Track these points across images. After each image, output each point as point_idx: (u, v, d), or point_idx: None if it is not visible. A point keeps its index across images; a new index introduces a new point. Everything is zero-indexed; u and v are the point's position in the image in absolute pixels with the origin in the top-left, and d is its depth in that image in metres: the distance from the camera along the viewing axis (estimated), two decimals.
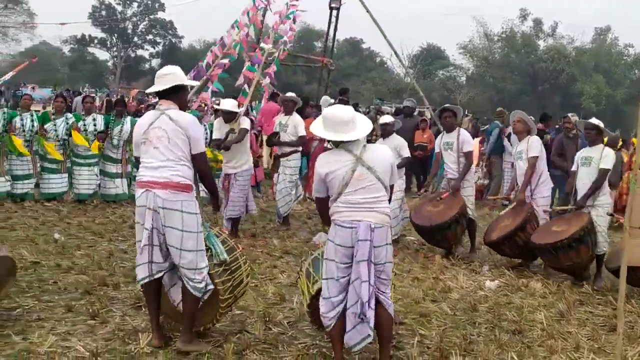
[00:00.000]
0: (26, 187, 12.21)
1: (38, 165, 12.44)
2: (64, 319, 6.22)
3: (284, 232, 10.94)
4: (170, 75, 5.70)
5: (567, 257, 8.45)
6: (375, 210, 5.14)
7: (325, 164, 5.29)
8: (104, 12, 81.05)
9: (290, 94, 11.61)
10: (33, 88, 42.19)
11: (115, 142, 12.73)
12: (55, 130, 12.36)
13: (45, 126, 12.28)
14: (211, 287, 5.58)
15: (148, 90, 5.73)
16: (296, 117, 11.38)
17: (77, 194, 12.62)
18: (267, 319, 6.47)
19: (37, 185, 12.55)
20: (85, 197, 12.58)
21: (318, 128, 5.42)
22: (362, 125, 5.34)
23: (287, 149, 11.19)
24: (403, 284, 8.10)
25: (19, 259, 8.07)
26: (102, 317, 6.24)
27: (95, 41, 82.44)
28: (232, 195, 10.05)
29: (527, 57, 66.69)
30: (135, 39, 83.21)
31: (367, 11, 18.77)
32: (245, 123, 10.21)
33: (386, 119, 10.72)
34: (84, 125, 12.52)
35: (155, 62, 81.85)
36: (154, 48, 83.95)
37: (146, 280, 5.58)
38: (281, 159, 11.25)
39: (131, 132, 12.50)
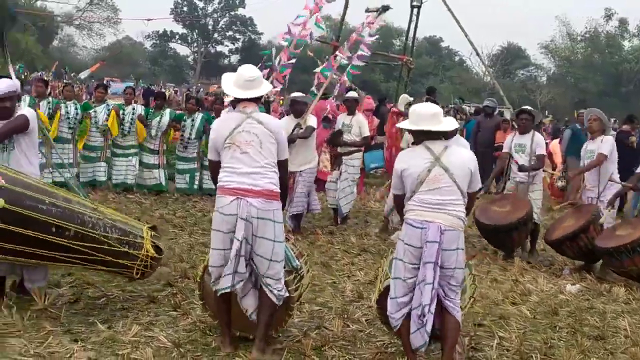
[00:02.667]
0: (67, 176, 12.34)
1: (79, 154, 12.73)
2: (147, 309, 6.37)
3: (362, 230, 10.94)
4: (259, 79, 5.56)
5: (631, 262, 8.22)
6: (447, 213, 5.04)
7: (403, 161, 5.27)
8: (185, 8, 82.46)
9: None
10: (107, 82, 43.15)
11: (153, 132, 12.89)
12: (95, 117, 12.60)
13: (89, 112, 12.57)
14: (287, 294, 5.45)
15: (241, 96, 5.45)
16: (360, 117, 11.34)
17: (115, 184, 12.89)
18: (346, 316, 6.49)
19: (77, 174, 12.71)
20: (125, 187, 12.83)
21: (405, 124, 5.44)
22: (447, 122, 5.32)
23: (351, 148, 11.20)
24: (482, 285, 8.02)
25: None
26: (184, 308, 6.35)
27: (177, 37, 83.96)
28: (295, 193, 10.04)
29: (611, 57, 65.09)
30: (215, 35, 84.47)
31: (449, 9, 18.58)
32: (312, 121, 10.23)
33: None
34: (123, 114, 12.72)
35: (234, 58, 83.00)
36: (234, 44, 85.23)
37: (226, 291, 5.31)
38: (343, 157, 11.23)
39: (169, 124, 12.91)
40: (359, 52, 12.57)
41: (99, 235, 5.85)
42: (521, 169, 9.55)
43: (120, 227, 6.14)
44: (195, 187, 13.13)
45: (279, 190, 5.39)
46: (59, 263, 5.83)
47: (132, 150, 12.86)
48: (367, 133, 11.21)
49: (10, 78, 6.02)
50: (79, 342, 5.39)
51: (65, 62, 49.79)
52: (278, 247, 5.30)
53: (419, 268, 5.02)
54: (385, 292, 5.39)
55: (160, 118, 12.83)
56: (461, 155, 5.29)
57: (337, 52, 13.32)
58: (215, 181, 5.53)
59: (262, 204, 5.21)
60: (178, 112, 13.96)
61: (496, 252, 9.96)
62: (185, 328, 5.90)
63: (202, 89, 47.17)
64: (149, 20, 33.83)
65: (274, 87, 11.73)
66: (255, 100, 5.53)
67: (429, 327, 4.95)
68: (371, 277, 7.87)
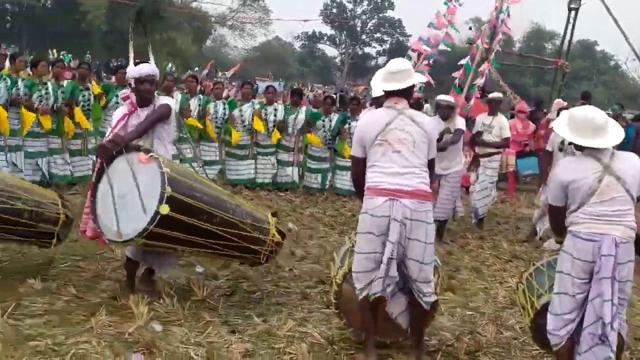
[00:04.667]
0: (212, 173, 12.52)
1: (224, 151, 13.02)
2: (300, 305, 6.47)
3: (513, 236, 10.70)
4: (407, 72, 5.31)
5: None
6: (621, 224, 4.64)
7: (570, 171, 4.82)
8: (334, 10, 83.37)
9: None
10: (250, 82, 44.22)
11: (290, 130, 12.96)
12: (242, 116, 12.77)
13: (233, 112, 12.73)
14: (435, 298, 5.28)
15: (385, 88, 5.32)
16: (502, 119, 11.02)
17: (257, 182, 13.04)
18: (499, 322, 6.37)
19: (221, 171, 13.09)
20: (263, 185, 12.96)
21: (563, 129, 4.94)
22: (615, 132, 4.82)
23: (490, 150, 10.94)
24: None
25: None
26: None
27: (325, 38, 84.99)
28: (440, 197, 9.72)
29: None
30: (364, 36, 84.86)
31: (609, 12, 17.93)
32: (460, 123, 10.00)
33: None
34: (266, 114, 12.83)
35: (381, 59, 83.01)
36: (381, 46, 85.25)
37: (378, 295, 5.13)
38: (481, 159, 10.97)
39: (306, 121, 12.90)
40: (498, 36, 12.33)
41: (238, 221, 5.99)
42: None
43: (252, 214, 6.29)
44: (327, 187, 13.21)
45: (430, 191, 5.18)
46: (204, 249, 5.92)
47: (272, 150, 13.04)
48: (507, 134, 10.91)
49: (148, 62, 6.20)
50: (236, 334, 5.54)
51: (217, 61, 51.32)
52: (429, 249, 5.11)
53: (589, 282, 4.68)
54: (541, 311, 5.11)
55: (297, 116, 12.91)
56: (632, 161, 4.85)
57: (476, 42, 13.09)
58: (357, 178, 5.40)
59: (415, 204, 5.01)
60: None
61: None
62: (338, 326, 5.93)
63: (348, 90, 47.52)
64: (305, 21, 34.53)
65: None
66: (406, 96, 5.34)
67: (614, 346, 4.57)
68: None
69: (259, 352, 5.25)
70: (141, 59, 5.94)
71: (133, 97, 6.04)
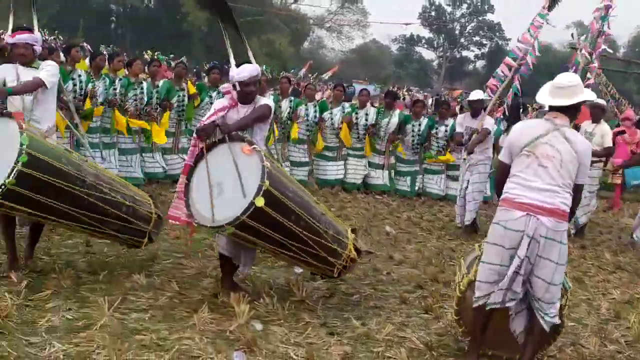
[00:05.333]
0: (301, 174, 12.56)
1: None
2: (398, 309, 6.44)
3: (616, 246, 10.38)
4: (574, 88, 5.08)
5: None
6: None
7: None
8: (433, 13, 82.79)
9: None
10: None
11: (381, 134, 12.88)
12: (332, 119, 12.76)
13: (323, 115, 12.73)
14: (558, 321, 5.09)
15: (547, 102, 5.14)
16: (604, 127, 10.71)
17: (347, 184, 13.05)
18: (603, 335, 6.19)
19: (311, 172, 13.10)
20: (354, 187, 12.96)
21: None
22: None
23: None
24: None
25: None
26: (435, 312, 6.35)
27: (423, 41, 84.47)
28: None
29: None
30: (462, 40, 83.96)
31: None
32: (488, 123, 9.83)
33: None
34: (357, 118, 12.79)
35: (479, 63, 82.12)
36: (479, 50, 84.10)
37: (496, 307, 5.04)
38: None
39: (399, 125, 12.78)
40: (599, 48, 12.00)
41: (322, 230, 5.96)
42: None
43: (335, 225, 6.25)
44: (416, 190, 13.12)
45: (569, 211, 5.00)
46: (284, 251, 5.91)
47: (363, 152, 13.02)
48: (609, 143, 10.62)
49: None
50: (335, 336, 5.55)
51: (314, 63, 51.69)
52: (560, 270, 4.95)
53: None
54: None
55: (390, 119, 12.85)
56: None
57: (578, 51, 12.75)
58: (499, 184, 5.22)
59: (553, 223, 4.86)
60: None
61: None
62: (437, 332, 5.89)
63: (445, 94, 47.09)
64: (407, 24, 34.63)
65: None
66: (570, 113, 5.12)
67: None
68: (629, 297, 7.48)
69: (358, 355, 5.25)
70: (238, 60, 5.88)
71: (234, 93, 6.09)
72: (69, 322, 5.21)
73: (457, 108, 15.97)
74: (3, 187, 5.38)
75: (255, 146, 5.63)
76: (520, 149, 5.02)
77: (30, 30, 6.42)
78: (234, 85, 6.07)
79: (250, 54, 6.31)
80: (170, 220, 6.26)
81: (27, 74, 6.29)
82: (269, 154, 5.94)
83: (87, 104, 9.72)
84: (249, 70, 6.03)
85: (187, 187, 5.82)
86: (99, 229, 6.36)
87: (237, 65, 6.07)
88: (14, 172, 5.39)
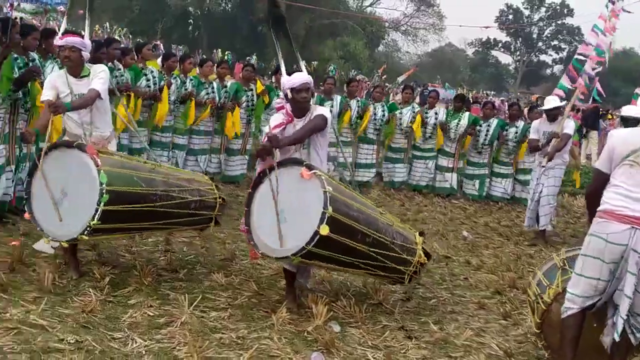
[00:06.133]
0: (367, 176, 12.64)
1: (381, 154, 13.04)
2: (476, 315, 6.37)
3: None
4: None
5: None
6: None
7: None
8: (510, 16, 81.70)
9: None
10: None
11: (452, 135, 12.75)
12: (400, 119, 12.70)
13: (391, 114, 12.69)
14: None
15: None
16: None
17: (411, 185, 13.02)
18: None
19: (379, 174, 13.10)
20: (419, 188, 12.95)
21: None
22: None
23: None
24: None
25: (431, 252, 8.46)
26: (514, 318, 6.27)
27: (500, 45, 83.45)
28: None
29: None
30: (540, 44, 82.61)
31: None
32: (569, 127, 9.56)
33: None
34: (426, 117, 12.75)
35: (557, 68, 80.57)
36: (557, 54, 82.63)
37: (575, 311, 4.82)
38: None
39: (467, 127, 12.58)
40: None
41: (389, 242, 5.82)
42: None
43: (402, 233, 6.11)
44: (484, 193, 12.96)
45: None
46: (353, 269, 5.84)
47: (430, 154, 12.94)
48: None
49: (301, 71, 6.08)
50: (413, 340, 5.52)
51: (388, 66, 51.54)
52: None
53: None
54: None
55: (459, 121, 12.72)
56: None
57: None
58: (593, 192, 4.98)
59: None
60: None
61: None
62: (516, 338, 5.81)
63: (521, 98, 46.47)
64: (486, 27, 34.45)
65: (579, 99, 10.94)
66: None
67: None
68: None
69: None
70: (288, 67, 5.84)
71: (288, 107, 5.94)
72: (151, 318, 5.30)
73: (526, 110, 15.64)
74: (88, 229, 5.51)
75: (315, 170, 5.44)
76: (622, 158, 4.74)
77: (80, 35, 6.30)
78: (285, 95, 5.90)
79: (301, 63, 6.24)
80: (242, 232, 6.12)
81: (79, 86, 6.15)
82: (327, 175, 5.67)
83: (165, 94, 9.87)
84: (300, 77, 5.86)
85: (248, 215, 5.68)
86: (171, 228, 6.70)
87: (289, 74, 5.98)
88: (98, 213, 5.49)
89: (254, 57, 42.77)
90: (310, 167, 5.45)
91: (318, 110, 5.91)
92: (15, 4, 31.30)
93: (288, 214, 5.40)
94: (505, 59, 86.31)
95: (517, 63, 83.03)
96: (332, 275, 6.86)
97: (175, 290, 5.99)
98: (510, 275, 7.66)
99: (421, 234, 6.49)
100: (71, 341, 4.67)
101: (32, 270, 6.08)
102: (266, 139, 5.64)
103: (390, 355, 5.08)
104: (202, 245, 7.62)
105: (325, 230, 5.13)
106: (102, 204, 5.47)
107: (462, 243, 9.28)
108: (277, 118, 5.97)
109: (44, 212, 5.78)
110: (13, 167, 7.55)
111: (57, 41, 6.17)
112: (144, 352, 4.70)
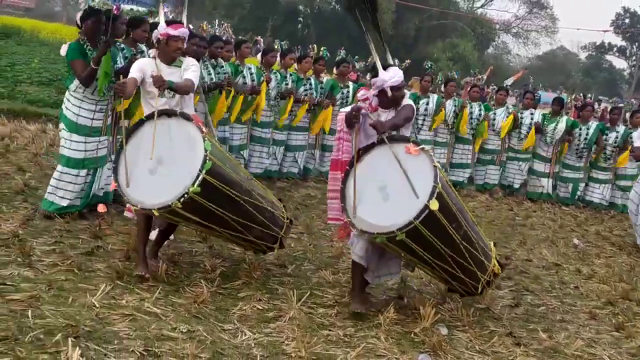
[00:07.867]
0: (461, 177, 12.53)
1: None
2: (587, 325, 6.22)
3: None
4: None
5: None
6: None
7: None
8: (627, 20, 79.09)
9: None
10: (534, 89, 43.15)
11: (548, 139, 12.38)
12: (494, 120, 12.45)
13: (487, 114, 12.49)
14: None
15: None
16: None
17: (504, 185, 12.82)
18: None
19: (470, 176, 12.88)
20: (511, 189, 12.74)
21: None
22: None
23: None
24: None
25: (540, 259, 8.31)
26: (628, 330, 6.08)
27: (614, 49, 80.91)
28: None
29: None
30: None
31: None
32: None
33: None
34: (521, 118, 12.49)
35: None
36: None
37: None
38: None
39: (564, 131, 12.23)
40: None
41: (475, 239, 5.60)
42: None
43: (482, 236, 5.85)
44: (577, 198, 12.63)
45: None
46: (439, 263, 5.52)
47: (525, 156, 12.65)
48: None
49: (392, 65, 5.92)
50: (521, 347, 5.44)
51: (497, 68, 50.76)
52: None
53: None
54: None
55: (556, 125, 12.36)
56: None
57: None
58: None
59: None
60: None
61: None
62: (629, 351, 5.65)
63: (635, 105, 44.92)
64: (604, 31, 33.84)
65: None
66: None
67: None
68: None
69: None
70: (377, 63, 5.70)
71: (375, 101, 5.78)
72: (260, 312, 5.39)
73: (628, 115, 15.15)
74: (186, 195, 5.22)
75: (423, 146, 5.34)
76: None
77: (183, 25, 6.16)
78: (382, 91, 5.71)
79: (389, 57, 6.10)
80: (329, 222, 6.09)
81: (169, 73, 5.94)
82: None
83: (263, 89, 9.88)
84: (399, 74, 5.73)
85: (343, 192, 5.54)
86: (242, 236, 6.03)
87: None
88: (199, 179, 5.25)
89: (342, 51, 42.41)
90: (417, 143, 5.38)
91: (405, 100, 5.85)
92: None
93: (392, 190, 5.29)
94: (619, 63, 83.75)
95: (633, 68, 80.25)
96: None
97: (283, 285, 6.07)
98: (624, 286, 7.46)
99: (494, 244, 6.24)
100: (183, 330, 4.80)
101: None
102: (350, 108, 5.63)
103: None
104: (310, 242, 7.69)
105: (435, 205, 4.97)
106: (204, 170, 5.24)
107: (573, 251, 9.05)
108: (362, 94, 5.90)
109: (134, 182, 5.54)
110: (114, 157, 7.73)
111: (170, 30, 5.91)
112: (253, 344, 4.78)
